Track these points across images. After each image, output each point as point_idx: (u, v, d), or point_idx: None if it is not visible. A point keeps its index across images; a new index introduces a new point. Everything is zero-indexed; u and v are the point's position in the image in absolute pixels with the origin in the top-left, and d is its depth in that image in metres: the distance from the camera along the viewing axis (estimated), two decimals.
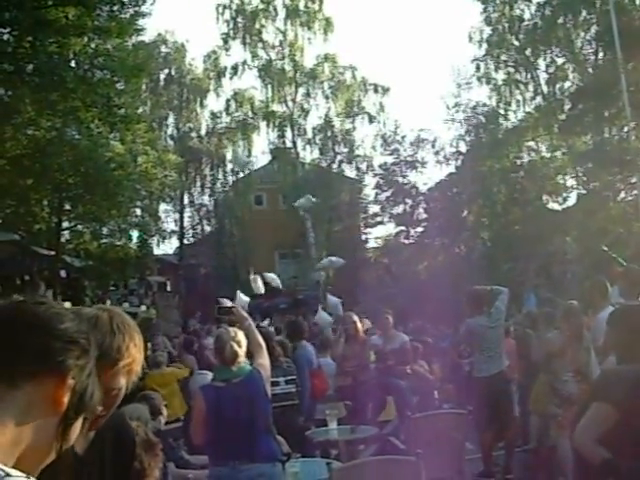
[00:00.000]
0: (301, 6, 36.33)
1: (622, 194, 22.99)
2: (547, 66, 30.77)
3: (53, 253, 22.10)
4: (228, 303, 5.17)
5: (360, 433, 7.15)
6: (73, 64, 18.84)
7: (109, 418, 1.93)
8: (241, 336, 4.64)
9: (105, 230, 24.57)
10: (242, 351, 4.58)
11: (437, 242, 30.41)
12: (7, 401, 0.99)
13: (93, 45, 19.00)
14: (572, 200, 26.85)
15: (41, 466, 1.05)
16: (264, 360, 4.67)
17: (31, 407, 1.00)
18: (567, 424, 5.31)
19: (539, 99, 31.03)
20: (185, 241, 39.18)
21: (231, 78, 37.48)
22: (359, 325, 9.11)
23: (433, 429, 6.36)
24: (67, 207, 22.37)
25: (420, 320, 15.85)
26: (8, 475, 0.92)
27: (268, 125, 37.52)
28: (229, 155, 39.18)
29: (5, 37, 17.67)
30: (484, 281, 11.43)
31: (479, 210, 29.46)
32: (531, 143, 29.90)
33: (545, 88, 30.91)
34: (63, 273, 23.78)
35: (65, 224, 23.30)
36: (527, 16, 30.84)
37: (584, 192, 25.12)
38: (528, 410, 8.15)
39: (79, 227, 24.14)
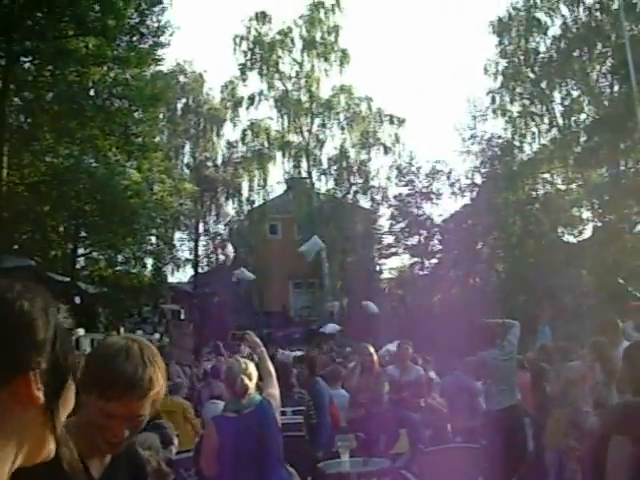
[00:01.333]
0: (318, 38, 36.65)
1: (638, 227, 22.90)
2: (562, 99, 30.84)
3: (68, 279, 22.18)
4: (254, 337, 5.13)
5: (372, 466, 7.07)
6: (92, 93, 19.08)
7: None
8: (252, 368, 4.63)
9: (120, 257, 24.66)
10: (252, 384, 4.57)
11: (452, 274, 30.33)
12: None
13: (112, 74, 19.26)
14: (587, 233, 26.79)
15: (42, 457, 1.02)
16: (274, 389, 4.65)
17: (7, 413, 0.95)
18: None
19: (554, 131, 31.04)
20: (199, 269, 39.26)
21: (247, 108, 37.76)
22: (375, 357, 9.06)
23: (446, 463, 6.29)
24: (83, 234, 22.50)
25: (434, 353, 15.74)
26: None
27: (284, 155, 37.69)
28: (245, 184, 39.38)
29: (26, 66, 17.97)
30: (498, 314, 11.37)
31: (494, 242, 29.41)
32: (546, 175, 29.88)
33: (560, 120, 30.94)
34: (77, 299, 23.81)
35: (80, 251, 23.42)
36: (542, 49, 31.03)
37: (599, 224, 25.05)
38: (543, 445, 8.05)
39: (94, 254, 24.25)
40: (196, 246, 39.50)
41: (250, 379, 4.55)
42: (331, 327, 14.74)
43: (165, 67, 24.43)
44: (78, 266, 23.89)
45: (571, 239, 27.67)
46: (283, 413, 6.80)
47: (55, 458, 1.05)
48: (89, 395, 1.84)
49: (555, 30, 30.36)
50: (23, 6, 16.42)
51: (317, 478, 7.01)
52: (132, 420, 1.88)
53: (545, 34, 30.98)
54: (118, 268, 25.43)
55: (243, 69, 36.98)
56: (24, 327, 0.96)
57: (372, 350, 9.04)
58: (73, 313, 22.59)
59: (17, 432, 0.97)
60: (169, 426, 5.94)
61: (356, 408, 8.55)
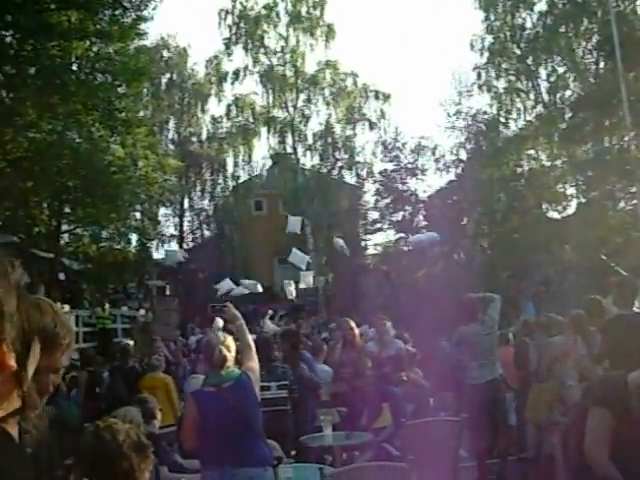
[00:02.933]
0: (303, 12, 36.38)
1: (622, 203, 23.00)
2: (548, 75, 30.82)
3: (52, 256, 22.10)
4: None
5: (355, 439, 7.14)
6: (75, 67, 18.90)
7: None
8: (230, 341, 4.66)
9: (104, 233, 24.56)
10: (231, 355, 4.59)
11: (436, 250, 30.42)
12: None
13: (95, 49, 19.07)
14: (572, 209, 26.90)
15: (9, 410, 1.04)
16: (253, 363, 4.68)
17: None
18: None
19: (540, 108, 31.06)
20: (184, 245, 39.19)
21: (232, 83, 37.49)
22: (356, 331, 9.10)
23: (427, 436, 6.36)
24: (67, 210, 22.38)
25: (417, 327, 15.82)
26: None
27: (269, 131, 37.52)
28: (230, 160, 39.24)
29: (7, 40, 17.73)
30: (483, 289, 11.43)
31: (479, 218, 29.49)
32: (531, 151, 29.92)
33: (546, 97, 30.95)
34: (62, 276, 23.76)
35: (64, 227, 23.30)
36: (529, 25, 30.93)
37: (584, 201, 25.15)
38: (524, 418, 8.15)
39: (78, 230, 24.13)
40: (181, 222, 39.41)
41: (229, 351, 4.57)
42: (299, 257, 15.09)
43: (149, 41, 24.27)
44: (62, 242, 23.78)
45: (555, 215, 27.80)
46: (267, 388, 6.84)
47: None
48: None
49: (541, 6, 30.26)
50: None
51: (300, 452, 7.06)
52: (55, 374, 1.99)
53: (531, 10, 30.88)
54: (102, 244, 25.33)
55: (228, 44, 36.70)
56: None
57: (353, 324, 9.09)
58: (58, 289, 22.55)
59: None
60: (151, 400, 5.97)
61: (339, 382, 8.61)
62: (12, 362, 0.97)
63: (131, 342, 13.69)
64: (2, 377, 0.98)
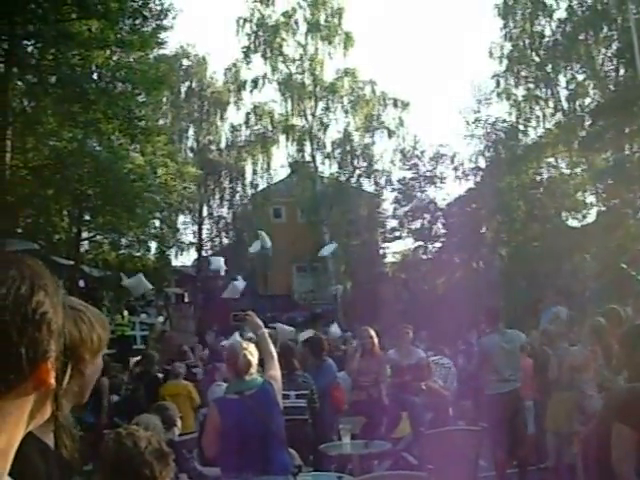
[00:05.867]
0: (322, 20, 36.44)
1: None
2: (567, 82, 30.68)
3: (72, 263, 22.23)
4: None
5: (374, 448, 7.12)
6: (95, 76, 19.03)
7: None
8: (253, 348, 4.67)
9: (124, 241, 24.65)
10: (254, 361, 4.60)
11: (455, 258, 30.34)
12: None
13: (115, 58, 19.19)
14: (591, 217, 26.76)
15: (41, 422, 1.05)
16: (275, 371, 4.68)
17: (24, 397, 0.97)
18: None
19: (559, 115, 30.92)
20: (203, 253, 39.31)
21: (251, 91, 37.59)
22: (375, 340, 9.09)
23: (446, 446, 6.33)
24: (87, 218, 22.49)
25: (436, 336, 15.79)
26: None
27: (287, 139, 37.57)
28: (248, 168, 39.35)
29: (29, 49, 17.92)
30: (502, 298, 11.40)
31: (498, 226, 29.39)
32: (551, 159, 29.80)
33: (565, 104, 30.81)
34: (82, 283, 23.88)
35: (84, 234, 23.43)
36: (548, 32, 30.84)
37: (604, 209, 25.00)
38: (544, 428, 8.09)
39: (98, 238, 24.25)
40: (200, 230, 39.52)
41: (252, 356, 4.58)
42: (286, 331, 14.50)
43: (168, 50, 24.37)
44: (82, 250, 23.91)
45: (575, 223, 27.65)
46: (287, 397, 6.83)
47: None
48: None
49: (561, 13, 30.17)
50: None
51: (319, 460, 7.06)
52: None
53: (551, 17, 30.78)
54: (122, 252, 25.43)
55: (247, 52, 36.78)
56: (42, 319, 0.97)
57: (372, 333, 9.07)
58: (78, 296, 22.65)
59: (30, 410, 0.99)
60: (172, 408, 5.98)
61: (358, 391, 8.60)
62: (52, 380, 0.98)
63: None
64: (40, 394, 0.99)
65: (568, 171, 28.98)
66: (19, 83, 18.13)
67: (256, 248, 20.89)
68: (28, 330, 0.95)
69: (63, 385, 1.04)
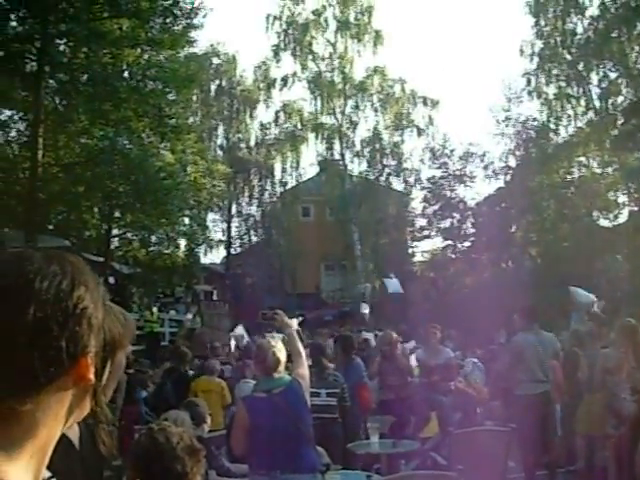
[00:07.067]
0: (351, 19, 36.40)
1: None
2: (600, 80, 30.34)
3: (102, 260, 22.41)
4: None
5: (402, 447, 7.10)
6: (126, 75, 19.16)
7: None
8: (281, 345, 4.67)
9: (154, 238, 24.81)
10: (283, 359, 4.60)
11: (484, 257, 30.17)
12: (42, 404, 0.96)
13: (146, 56, 19.31)
14: (623, 217, 26.47)
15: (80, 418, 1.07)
16: (304, 370, 4.68)
17: (63, 392, 0.98)
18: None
19: (591, 114, 30.60)
20: (232, 251, 39.47)
21: (281, 89, 37.68)
22: (398, 346, 9.06)
23: (475, 446, 6.30)
24: (117, 215, 22.67)
25: (464, 335, 15.74)
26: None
27: (317, 137, 37.59)
28: (277, 166, 39.45)
29: (61, 48, 18.07)
30: (531, 298, 11.31)
31: (528, 226, 29.18)
32: (582, 158, 29.52)
33: (597, 103, 30.48)
34: (112, 280, 24.08)
35: (115, 231, 23.63)
36: (580, 30, 30.53)
37: (636, 209, 24.72)
38: (573, 430, 8.01)
39: (128, 235, 24.44)
40: (229, 227, 39.71)
41: (280, 355, 4.59)
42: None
43: (198, 49, 24.44)
44: (112, 246, 24.10)
45: (606, 223, 27.38)
46: (317, 395, 6.84)
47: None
48: None
49: (593, 10, 29.84)
50: None
51: (347, 459, 7.05)
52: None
53: (583, 14, 30.46)
54: (152, 249, 25.58)
55: (276, 50, 36.87)
56: (82, 314, 0.98)
57: (394, 338, 9.02)
58: (108, 293, 22.78)
59: (69, 405, 1.00)
60: (201, 404, 6.01)
61: (386, 391, 8.59)
62: (92, 375, 0.99)
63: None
64: (79, 389, 1.00)
65: (599, 170, 28.70)
66: (51, 82, 18.29)
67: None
68: (69, 324, 0.96)
69: (102, 381, 1.05)
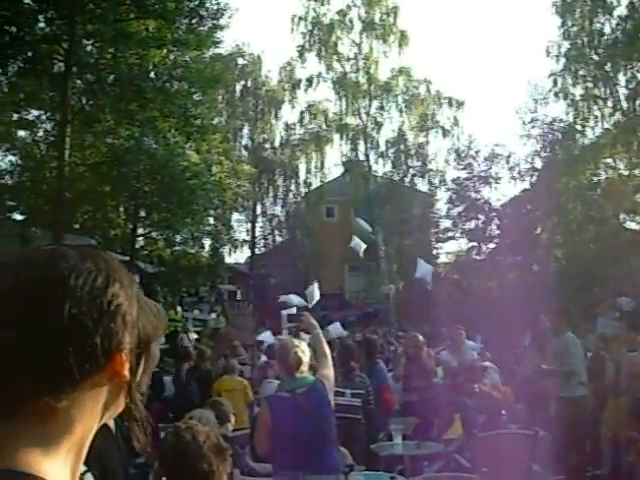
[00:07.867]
0: (376, 19, 36.36)
1: None
2: (627, 81, 30.00)
3: (128, 259, 22.54)
4: (293, 309, 5.16)
5: (425, 449, 7.08)
6: (152, 75, 19.29)
7: None
8: (304, 346, 4.67)
9: (178, 238, 24.94)
10: (306, 359, 4.60)
11: (509, 259, 29.98)
12: (76, 400, 0.97)
13: (172, 57, 19.42)
14: None
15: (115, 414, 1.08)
16: (328, 370, 4.67)
17: (98, 388, 0.99)
18: None
19: (618, 115, 30.28)
20: (256, 251, 39.59)
21: (306, 90, 37.74)
22: (423, 347, 9.02)
23: (499, 449, 6.26)
24: (142, 214, 22.81)
25: (489, 337, 15.65)
26: None
27: (341, 137, 37.62)
28: (302, 167, 39.51)
29: (88, 48, 18.25)
30: (557, 300, 11.23)
31: (553, 228, 28.98)
32: (609, 160, 29.23)
33: (625, 104, 30.16)
34: (137, 278, 24.23)
35: (140, 231, 23.76)
36: (607, 30, 30.20)
37: None
38: (599, 434, 7.94)
39: (153, 234, 24.56)
40: (253, 227, 39.83)
41: (303, 355, 4.58)
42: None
43: (224, 49, 24.54)
44: (137, 246, 24.23)
45: (633, 226, 27.11)
46: (342, 394, 6.83)
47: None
48: None
49: (621, 10, 29.51)
50: None
51: (370, 460, 7.05)
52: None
53: (610, 15, 30.15)
54: (176, 248, 25.72)
55: (301, 50, 36.93)
56: (117, 310, 0.99)
57: (419, 340, 8.99)
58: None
59: (104, 402, 1.01)
60: (226, 403, 6.03)
61: (410, 392, 8.56)
62: (126, 372, 1.00)
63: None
64: (114, 386, 1.01)
65: (627, 172, 28.40)
66: (78, 82, 18.46)
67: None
68: (103, 321, 0.96)
69: (137, 378, 1.06)
